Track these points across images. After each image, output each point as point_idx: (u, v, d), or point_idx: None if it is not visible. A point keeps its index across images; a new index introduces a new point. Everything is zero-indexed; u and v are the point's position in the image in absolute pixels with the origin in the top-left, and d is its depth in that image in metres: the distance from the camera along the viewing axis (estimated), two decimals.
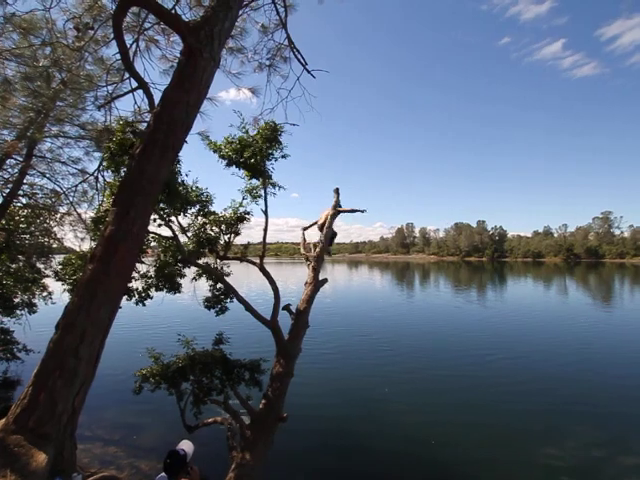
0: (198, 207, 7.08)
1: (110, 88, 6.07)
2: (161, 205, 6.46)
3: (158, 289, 6.92)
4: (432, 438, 8.81)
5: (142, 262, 6.72)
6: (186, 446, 3.49)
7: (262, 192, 6.76)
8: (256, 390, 7.32)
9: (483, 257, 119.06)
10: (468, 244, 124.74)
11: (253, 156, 6.23)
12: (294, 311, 6.52)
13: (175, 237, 6.58)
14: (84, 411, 10.23)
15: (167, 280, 6.76)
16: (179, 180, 6.44)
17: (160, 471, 3.34)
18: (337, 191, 7.65)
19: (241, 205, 7.11)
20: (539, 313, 26.51)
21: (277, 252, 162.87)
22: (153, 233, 6.71)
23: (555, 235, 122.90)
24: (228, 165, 6.47)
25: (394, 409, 10.44)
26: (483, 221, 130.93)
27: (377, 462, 8.02)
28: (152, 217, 6.29)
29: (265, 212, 6.61)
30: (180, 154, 6.05)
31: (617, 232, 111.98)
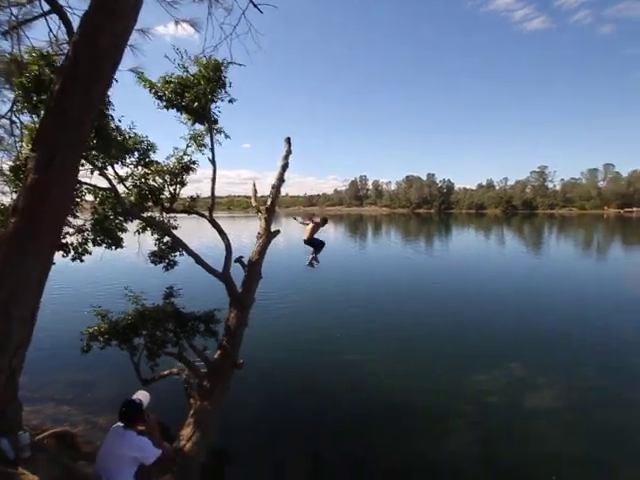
0: (137, 156, 6.52)
1: (15, 10, 5.11)
2: (94, 153, 5.86)
3: (96, 244, 6.47)
4: (381, 375, 9.63)
5: (76, 216, 6.18)
6: (141, 395, 3.52)
7: (208, 139, 6.35)
8: (212, 340, 7.40)
9: (431, 209, 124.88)
10: (418, 196, 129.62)
11: (196, 99, 5.74)
12: (246, 263, 6.48)
13: (113, 188, 6.07)
14: (32, 373, 9.80)
15: (106, 234, 6.32)
16: (112, 125, 5.81)
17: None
18: (288, 141, 7.40)
19: (185, 153, 6.67)
20: (480, 261, 28.89)
21: (229, 206, 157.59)
22: (87, 184, 6.12)
23: (497, 188, 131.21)
24: (167, 107, 5.92)
25: (346, 352, 11.16)
26: (433, 174, 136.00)
27: (324, 404, 8.67)
28: (85, 167, 5.72)
29: (212, 161, 6.27)
30: (112, 97, 5.43)
31: (550, 185, 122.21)
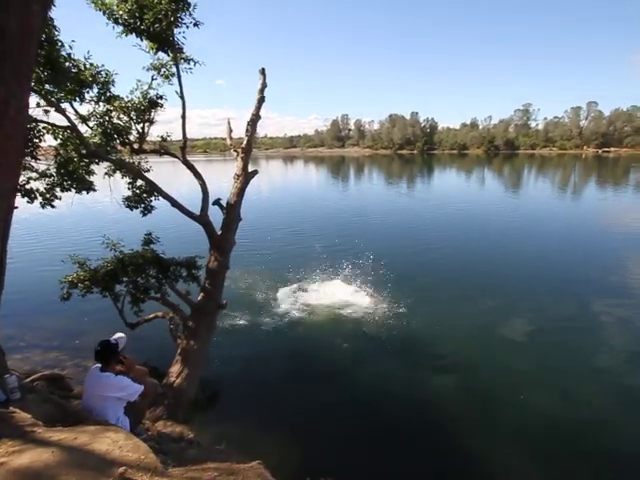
0: (97, 90, 5.93)
1: None
2: (47, 87, 5.28)
3: (64, 189, 6.12)
4: (349, 316, 10.08)
5: (36, 158, 5.73)
6: (118, 336, 3.56)
7: (174, 70, 5.78)
8: (195, 286, 7.46)
9: (414, 150, 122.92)
10: (401, 137, 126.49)
11: (157, 21, 5.10)
12: (224, 205, 6.31)
13: (73, 127, 5.58)
14: (16, 323, 9.74)
15: (72, 178, 5.95)
16: (64, 54, 5.16)
17: None
18: (263, 72, 6.83)
19: (151, 87, 6.10)
20: (460, 202, 29.28)
21: (206, 149, 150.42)
22: (44, 122, 5.60)
23: (480, 127, 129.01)
24: (125, 33, 5.27)
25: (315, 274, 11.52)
26: (416, 113, 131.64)
27: (314, 342, 9.10)
28: (36, 101, 5.19)
29: (181, 95, 5.78)
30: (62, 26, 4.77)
31: (534, 124, 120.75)
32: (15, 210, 3.64)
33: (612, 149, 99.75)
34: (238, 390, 7.23)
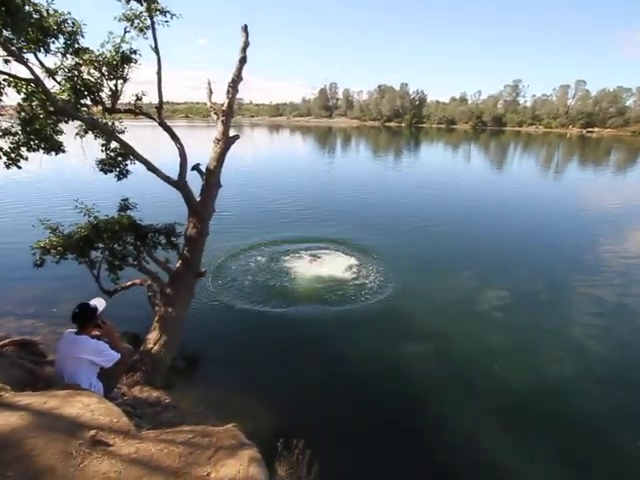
0: (64, 41, 5.47)
1: None
2: (5, 34, 4.81)
3: (31, 149, 5.74)
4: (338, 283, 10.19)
5: None
6: (97, 301, 3.48)
7: (149, 22, 5.35)
8: (174, 254, 7.31)
9: (402, 123, 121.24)
10: (390, 108, 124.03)
11: None
12: (204, 171, 6.09)
13: (38, 80, 5.16)
14: None
15: (40, 137, 5.58)
16: None
17: None
18: (245, 29, 6.41)
19: (124, 40, 5.66)
20: (444, 177, 29.36)
21: (188, 114, 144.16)
22: (4, 73, 5.15)
23: (469, 102, 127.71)
24: None
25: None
26: (406, 84, 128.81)
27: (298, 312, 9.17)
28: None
29: (155, 49, 5.39)
30: None
31: (522, 101, 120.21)
32: None
33: (596, 129, 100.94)
34: (218, 356, 7.31)
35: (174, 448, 2.53)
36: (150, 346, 5.59)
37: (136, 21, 5.54)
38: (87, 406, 2.84)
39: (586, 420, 5.86)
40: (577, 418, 5.91)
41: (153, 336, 5.73)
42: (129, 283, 7.49)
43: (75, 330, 3.25)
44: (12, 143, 5.71)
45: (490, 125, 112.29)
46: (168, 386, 5.76)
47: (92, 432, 2.51)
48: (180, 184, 5.83)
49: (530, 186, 26.40)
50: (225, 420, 3.44)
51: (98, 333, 3.32)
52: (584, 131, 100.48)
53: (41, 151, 6.03)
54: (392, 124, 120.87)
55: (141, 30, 5.74)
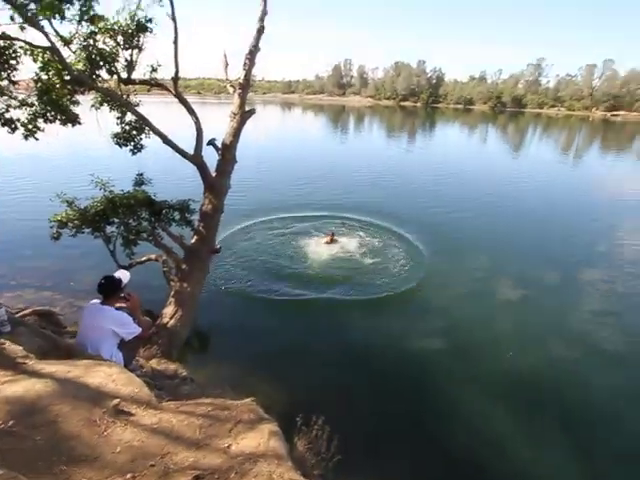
0: (78, 7, 5.31)
1: None
2: None
3: (47, 120, 5.70)
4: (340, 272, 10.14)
5: (13, 82, 5.26)
6: (121, 274, 3.50)
7: None
8: (188, 230, 7.31)
9: (418, 102, 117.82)
10: (406, 86, 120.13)
11: None
12: (220, 146, 5.98)
13: (54, 48, 5.05)
14: (5, 263, 9.57)
15: (55, 108, 5.51)
16: None
17: None
18: None
19: (139, 7, 5.49)
20: (459, 161, 28.67)
21: (199, 90, 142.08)
22: (20, 40, 5.05)
23: (489, 82, 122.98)
24: None
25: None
26: (424, 61, 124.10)
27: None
28: (9, 14, 4.62)
29: (173, 17, 5.21)
30: None
31: (544, 81, 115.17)
32: None
33: (621, 112, 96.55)
34: (231, 335, 7.33)
35: (194, 420, 2.56)
36: (166, 320, 5.66)
37: None
38: (109, 376, 2.88)
39: (592, 409, 5.81)
40: (583, 406, 5.86)
41: (169, 310, 5.80)
42: (144, 258, 7.56)
43: (100, 301, 3.28)
44: (29, 114, 5.68)
45: (509, 106, 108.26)
46: (183, 361, 5.86)
47: (115, 401, 2.55)
48: (196, 159, 5.75)
49: (547, 172, 25.55)
50: (242, 395, 3.48)
51: (124, 305, 3.35)
52: (608, 114, 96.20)
53: (57, 122, 6.00)
54: (407, 103, 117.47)
55: None
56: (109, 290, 3.27)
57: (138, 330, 3.32)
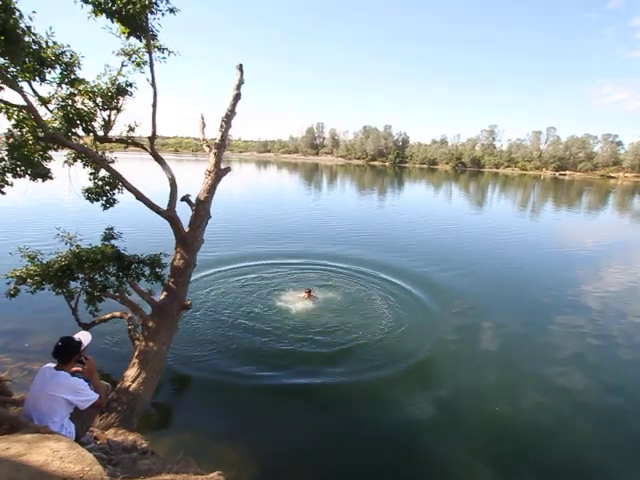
0: (60, 71, 5.53)
1: None
2: (1, 61, 4.83)
3: (17, 175, 5.61)
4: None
5: None
6: (82, 335, 3.26)
7: (147, 58, 5.49)
8: (159, 285, 7.05)
9: (386, 162, 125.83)
10: (374, 148, 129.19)
11: (130, 3, 4.83)
12: (194, 202, 6.04)
13: (31, 107, 5.14)
14: None
15: (26, 164, 5.47)
16: (23, 26, 4.75)
17: None
18: (240, 68, 6.65)
19: (120, 73, 5.77)
20: (426, 214, 30.13)
21: (177, 148, 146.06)
22: None
23: (449, 144, 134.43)
24: (95, 12, 4.95)
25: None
26: (390, 126, 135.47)
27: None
28: None
29: (152, 83, 5.49)
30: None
31: (498, 144, 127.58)
32: None
33: (567, 172, 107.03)
34: (198, 394, 6.84)
35: None
36: (128, 384, 5.21)
37: (134, 56, 5.68)
38: (56, 452, 2.56)
39: (583, 461, 5.66)
40: (574, 459, 5.70)
41: (131, 373, 5.36)
42: (108, 316, 7.14)
43: (54, 365, 3.00)
44: None
45: (469, 166, 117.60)
46: (143, 431, 5.32)
47: None
48: (169, 213, 5.74)
49: (509, 224, 27.23)
50: (208, 467, 3.16)
51: (79, 369, 3.07)
52: (557, 174, 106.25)
53: (27, 177, 5.91)
54: (376, 163, 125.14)
55: (138, 65, 5.89)
56: (66, 354, 3.00)
57: (95, 397, 3.02)
